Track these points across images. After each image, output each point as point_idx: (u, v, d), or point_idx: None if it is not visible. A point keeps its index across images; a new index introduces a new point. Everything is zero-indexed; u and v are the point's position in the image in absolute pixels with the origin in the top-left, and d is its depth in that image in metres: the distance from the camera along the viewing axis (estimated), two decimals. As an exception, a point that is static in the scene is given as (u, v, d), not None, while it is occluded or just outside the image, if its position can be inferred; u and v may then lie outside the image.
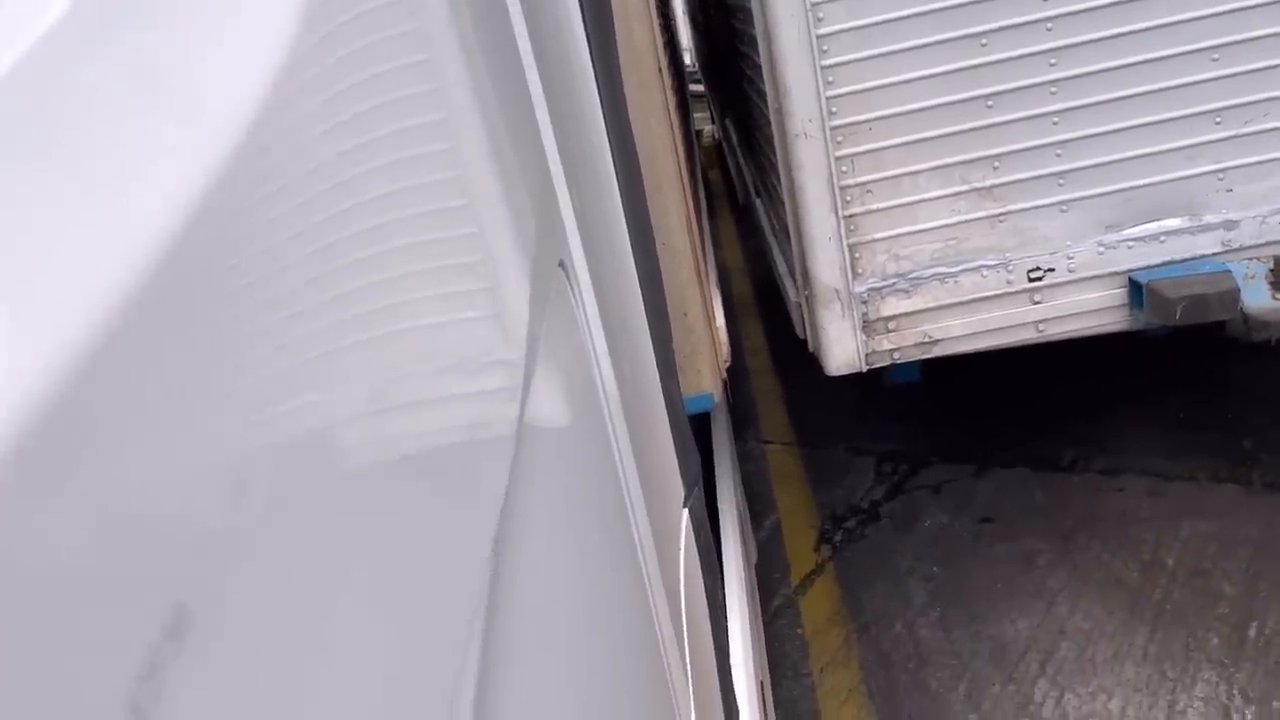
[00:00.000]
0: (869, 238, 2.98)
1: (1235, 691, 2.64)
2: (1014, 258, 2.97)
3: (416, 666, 0.40)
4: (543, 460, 0.65)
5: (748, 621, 2.11)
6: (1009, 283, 2.98)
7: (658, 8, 2.95)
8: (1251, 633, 2.83)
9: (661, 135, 2.13)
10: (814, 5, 2.79)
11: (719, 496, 2.66)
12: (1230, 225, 2.92)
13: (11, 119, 0.28)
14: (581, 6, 1.16)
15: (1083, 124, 2.87)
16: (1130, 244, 2.94)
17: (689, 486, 1.41)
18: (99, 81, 0.32)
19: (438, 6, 0.61)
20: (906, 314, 3.02)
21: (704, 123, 10.67)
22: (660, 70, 2.21)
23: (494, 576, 0.49)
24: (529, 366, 0.63)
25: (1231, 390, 4.08)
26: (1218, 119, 2.85)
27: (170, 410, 0.28)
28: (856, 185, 2.94)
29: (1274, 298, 2.86)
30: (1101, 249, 2.95)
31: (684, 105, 5.41)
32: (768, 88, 3.01)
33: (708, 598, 1.37)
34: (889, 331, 3.04)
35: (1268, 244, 2.90)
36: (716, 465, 2.82)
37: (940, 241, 2.98)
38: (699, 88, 10.31)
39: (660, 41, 2.47)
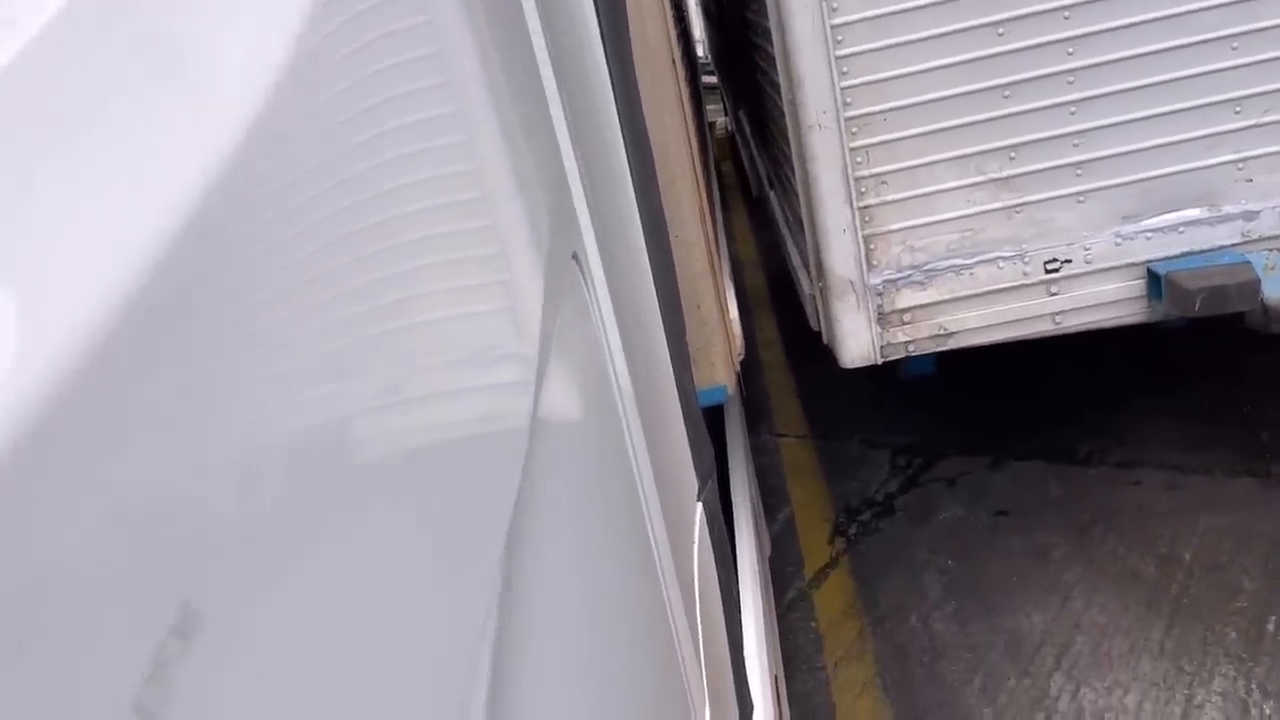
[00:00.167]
0: (884, 229, 2.97)
1: (1253, 686, 2.62)
2: (1030, 249, 2.95)
3: (430, 660, 0.40)
4: (556, 453, 0.65)
5: (762, 615, 2.11)
6: (1025, 274, 2.97)
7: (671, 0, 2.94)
8: (1270, 627, 2.81)
9: (675, 128, 2.12)
10: (828, -5, 2.78)
11: (733, 490, 2.65)
12: (1250, 216, 2.89)
13: (26, 99, 0.28)
14: (595, 0, 1.15)
15: (1101, 113, 2.84)
16: (1148, 235, 2.92)
17: (703, 479, 1.41)
18: (112, 62, 0.31)
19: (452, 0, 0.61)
20: (922, 306, 3.01)
21: (717, 114, 10.64)
22: (674, 63, 2.21)
23: (508, 570, 0.49)
24: (542, 360, 0.63)
25: (1249, 382, 4.04)
26: (1237, 108, 2.82)
27: (179, 404, 0.27)
28: (871, 176, 2.92)
29: (1294, 289, 2.84)
30: (1119, 240, 2.93)
31: (697, 97, 5.40)
32: (781, 79, 2.99)
33: (721, 591, 1.37)
34: (904, 324, 3.02)
35: (1288, 235, 2.88)
36: (730, 458, 2.82)
37: (956, 233, 2.96)
38: (712, 79, 10.28)
39: (673, 34, 2.46)
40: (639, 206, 1.25)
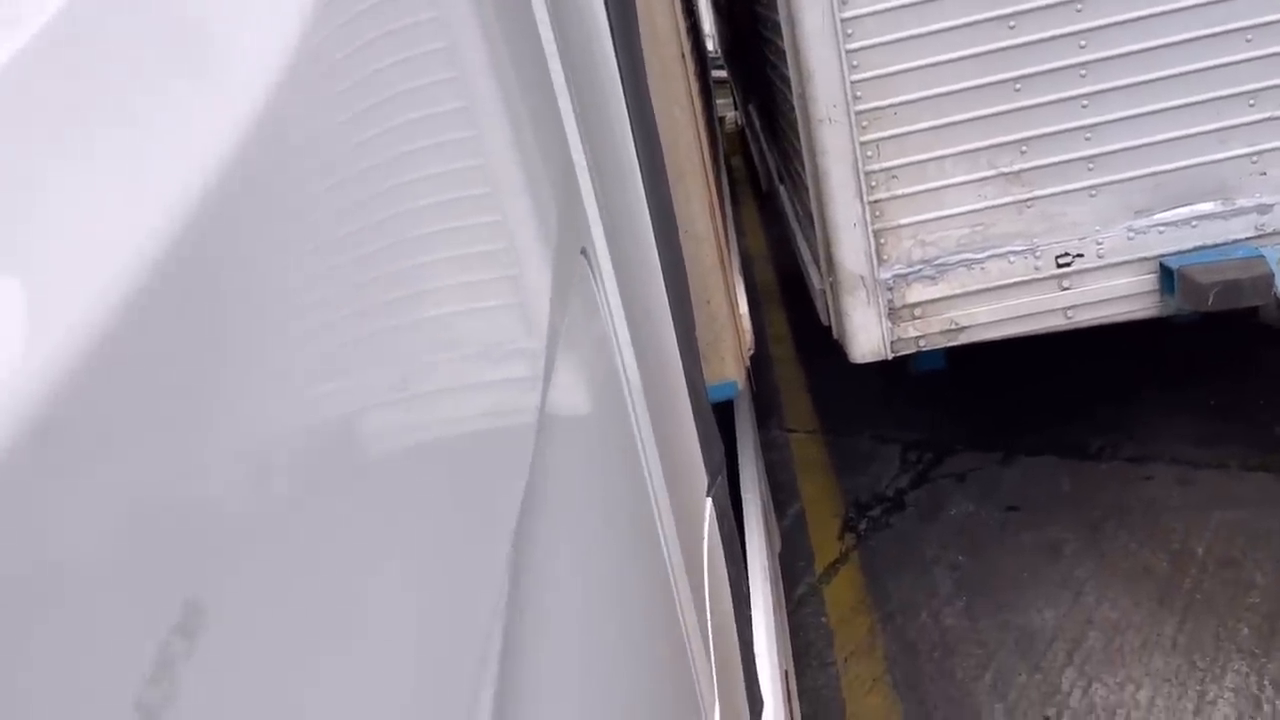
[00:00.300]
0: (894, 223, 2.96)
1: (1266, 682, 2.61)
2: (1042, 243, 2.94)
3: (438, 657, 0.40)
4: (565, 449, 0.64)
5: (772, 610, 2.11)
6: (1037, 269, 2.95)
7: (680, -7, 2.93)
8: (1283, 623, 2.80)
9: (684, 123, 2.12)
10: (838, -11, 2.77)
11: (742, 485, 2.65)
12: (1264, 209, 2.87)
13: (29, 96, 0.28)
14: (604, -8, 1.15)
15: (1113, 107, 2.82)
16: (1161, 229, 2.90)
17: (712, 475, 1.40)
18: (118, 58, 0.31)
19: (460, -8, 0.61)
20: (932, 301, 2.99)
21: (726, 108, 10.62)
22: (683, 57, 2.20)
23: (516, 566, 0.49)
24: (551, 355, 0.63)
25: (1262, 377, 4.02)
26: (1251, 101, 2.80)
27: (185, 400, 0.27)
28: (882, 170, 2.91)
29: (1309, 283, 2.81)
30: (1131, 234, 2.91)
31: (706, 91, 5.39)
32: (791, 72, 2.98)
33: (731, 587, 1.36)
34: (915, 318, 3.01)
35: (1302, 228, 2.86)
36: (740, 454, 2.81)
37: (967, 227, 2.95)
38: (721, 73, 10.25)
39: (683, 27, 2.45)
40: (648, 201, 1.25)
